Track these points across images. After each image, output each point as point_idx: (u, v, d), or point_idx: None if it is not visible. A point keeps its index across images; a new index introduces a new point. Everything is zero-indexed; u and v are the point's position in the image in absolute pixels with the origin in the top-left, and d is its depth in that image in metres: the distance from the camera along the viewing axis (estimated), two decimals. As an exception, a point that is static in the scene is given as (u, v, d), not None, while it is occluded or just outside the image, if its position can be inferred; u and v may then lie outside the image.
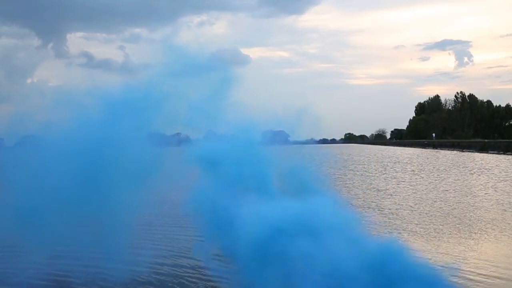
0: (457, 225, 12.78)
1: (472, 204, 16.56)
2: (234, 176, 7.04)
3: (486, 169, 33.41)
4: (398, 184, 24.07)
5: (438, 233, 11.82)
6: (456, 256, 9.54)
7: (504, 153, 55.80)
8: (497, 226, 12.61)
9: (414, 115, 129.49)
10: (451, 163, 40.75)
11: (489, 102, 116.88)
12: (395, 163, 43.12)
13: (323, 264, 5.76)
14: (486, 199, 17.99)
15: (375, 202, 17.55)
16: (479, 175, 28.62)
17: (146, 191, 7.73)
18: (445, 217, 14.10)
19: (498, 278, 8.09)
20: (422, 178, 27.34)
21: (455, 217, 14.07)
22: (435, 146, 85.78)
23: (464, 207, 15.99)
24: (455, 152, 66.32)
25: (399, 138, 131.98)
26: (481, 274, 8.26)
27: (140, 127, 7.56)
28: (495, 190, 20.64)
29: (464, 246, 10.44)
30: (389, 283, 5.74)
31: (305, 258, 5.81)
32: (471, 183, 24.10)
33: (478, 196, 18.95)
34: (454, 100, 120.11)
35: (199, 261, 8.28)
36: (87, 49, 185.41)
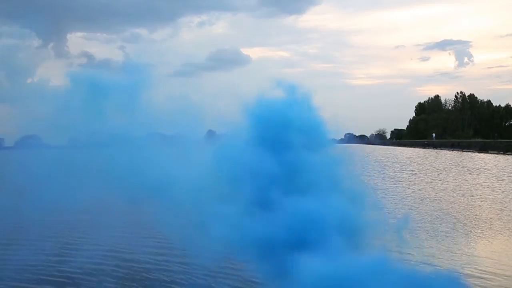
0: (455, 224, 12.87)
1: (470, 204, 16.64)
2: None
3: (485, 169, 33.48)
4: (396, 184, 24.14)
5: (435, 231, 11.90)
6: (454, 253, 9.64)
7: (504, 153, 55.83)
8: (493, 224, 12.72)
9: (414, 115, 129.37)
10: (451, 163, 40.80)
11: (489, 102, 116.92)
12: (394, 163, 43.16)
13: None
14: (483, 198, 18.07)
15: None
16: (478, 175, 28.69)
17: None
18: (443, 216, 14.17)
19: (494, 274, 8.21)
20: (421, 178, 27.41)
21: (453, 216, 14.15)
22: (435, 146, 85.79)
23: (462, 206, 16.07)
24: (455, 152, 66.34)
25: (399, 138, 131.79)
26: (478, 271, 8.39)
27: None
28: (493, 190, 20.73)
29: (462, 244, 10.53)
30: None
31: None
32: (470, 182, 24.17)
33: (476, 195, 19.02)
34: (454, 100, 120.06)
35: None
36: (87, 49, 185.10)
